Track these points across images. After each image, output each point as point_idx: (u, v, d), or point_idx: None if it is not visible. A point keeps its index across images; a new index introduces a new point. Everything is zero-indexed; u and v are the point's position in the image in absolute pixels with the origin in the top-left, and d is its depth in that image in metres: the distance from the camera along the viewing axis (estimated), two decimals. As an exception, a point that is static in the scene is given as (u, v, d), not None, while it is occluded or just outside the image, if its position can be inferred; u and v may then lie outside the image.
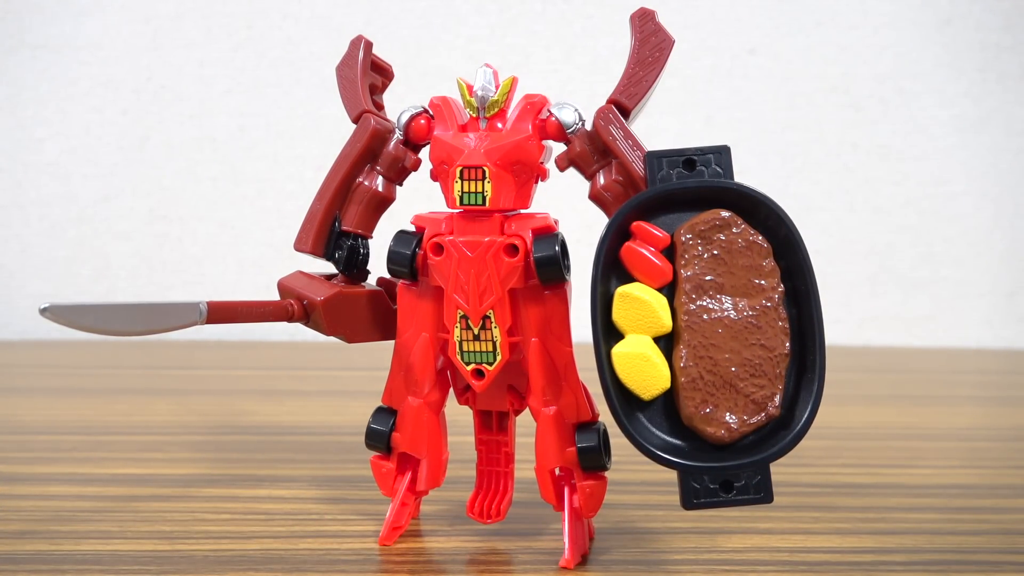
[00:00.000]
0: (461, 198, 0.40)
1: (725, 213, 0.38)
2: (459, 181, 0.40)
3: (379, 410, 0.44)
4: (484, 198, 0.40)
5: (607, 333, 0.38)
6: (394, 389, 0.44)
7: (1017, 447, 0.65)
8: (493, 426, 0.45)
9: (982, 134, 1.04)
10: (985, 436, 0.68)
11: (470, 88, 0.40)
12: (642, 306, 0.37)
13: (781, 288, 0.37)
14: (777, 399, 0.37)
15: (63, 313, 0.38)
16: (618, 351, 0.38)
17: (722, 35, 1.03)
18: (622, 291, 0.38)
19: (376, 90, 0.46)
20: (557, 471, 0.42)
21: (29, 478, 0.53)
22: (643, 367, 0.37)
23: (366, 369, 0.86)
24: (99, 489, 0.51)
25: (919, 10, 1.02)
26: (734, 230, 0.38)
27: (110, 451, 0.58)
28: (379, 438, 0.44)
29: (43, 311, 0.38)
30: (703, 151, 0.38)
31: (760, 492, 0.37)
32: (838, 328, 1.06)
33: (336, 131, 1.01)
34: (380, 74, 0.46)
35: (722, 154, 0.38)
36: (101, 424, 0.65)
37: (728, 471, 0.37)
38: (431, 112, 0.42)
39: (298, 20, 1.02)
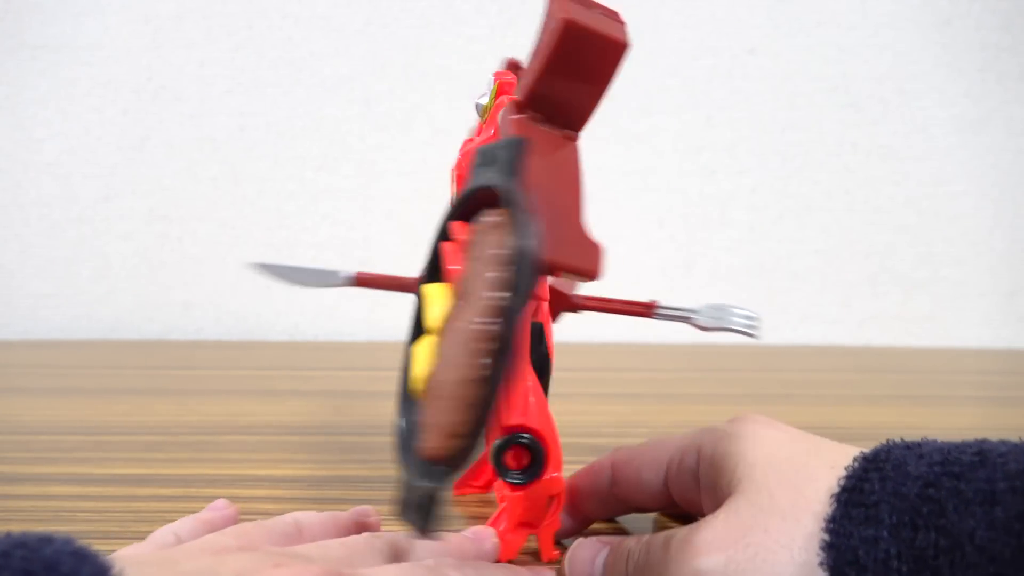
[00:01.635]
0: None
1: (492, 215, 0.32)
2: (452, 185, 0.42)
3: None
4: None
5: (419, 330, 0.35)
6: None
7: (1017, 447, 0.65)
8: None
9: (982, 134, 1.04)
10: (985, 436, 0.68)
11: None
12: (424, 305, 0.35)
13: (493, 302, 0.30)
14: (463, 426, 0.31)
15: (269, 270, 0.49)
16: (414, 347, 0.35)
17: (722, 35, 1.03)
18: (421, 289, 0.36)
19: None
20: None
21: (29, 478, 0.52)
22: (411, 366, 0.35)
23: (366, 369, 0.86)
24: (99, 489, 0.51)
25: (919, 10, 1.02)
26: (496, 233, 0.32)
27: (110, 451, 0.58)
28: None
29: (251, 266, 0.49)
30: (495, 147, 0.32)
31: (423, 520, 0.30)
32: (838, 328, 1.06)
33: (336, 131, 1.02)
34: None
35: (511, 148, 0.31)
36: (101, 424, 0.65)
37: (411, 489, 0.31)
38: None
39: (298, 20, 1.01)
